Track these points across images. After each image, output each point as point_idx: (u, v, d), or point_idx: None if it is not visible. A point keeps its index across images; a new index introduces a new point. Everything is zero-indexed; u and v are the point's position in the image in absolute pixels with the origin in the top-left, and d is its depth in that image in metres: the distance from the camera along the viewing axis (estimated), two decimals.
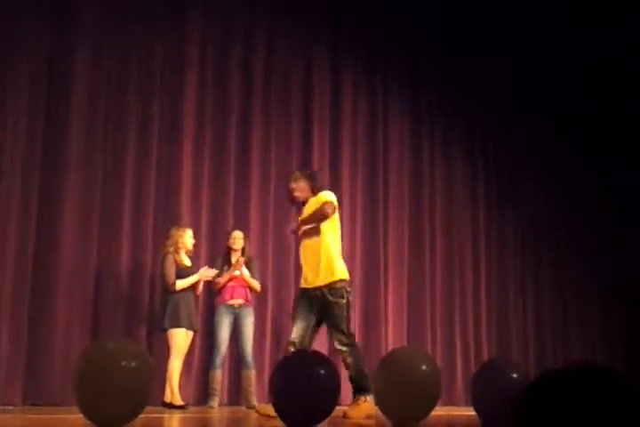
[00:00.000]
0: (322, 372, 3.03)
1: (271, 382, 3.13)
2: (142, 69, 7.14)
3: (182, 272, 6.46)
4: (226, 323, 6.72)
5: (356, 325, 8.16)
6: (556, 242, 10.16)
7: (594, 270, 10.30)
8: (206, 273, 6.58)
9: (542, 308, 9.92)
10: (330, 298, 4.95)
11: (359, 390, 4.89)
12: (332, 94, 8.52)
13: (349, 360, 4.91)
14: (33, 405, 6.03)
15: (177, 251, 6.49)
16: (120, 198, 6.86)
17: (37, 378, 6.16)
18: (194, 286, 6.53)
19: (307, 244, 5.14)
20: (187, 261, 6.57)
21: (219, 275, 6.77)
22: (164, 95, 7.24)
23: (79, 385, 2.83)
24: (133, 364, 2.79)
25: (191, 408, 6.27)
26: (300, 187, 5.25)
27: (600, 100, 10.22)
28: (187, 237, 6.56)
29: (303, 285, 5.14)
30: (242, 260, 6.82)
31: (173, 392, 6.21)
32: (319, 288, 4.99)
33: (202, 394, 6.90)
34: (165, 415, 5.08)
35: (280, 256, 7.75)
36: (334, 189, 8.21)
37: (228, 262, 6.89)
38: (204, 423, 4.32)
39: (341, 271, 5.05)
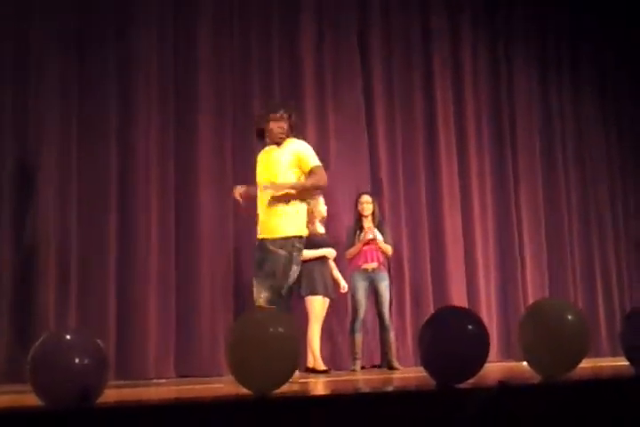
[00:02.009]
0: (470, 327, 3.02)
1: (420, 338, 3.14)
2: (262, 36, 7.23)
3: (315, 240, 6.51)
4: (362, 287, 6.78)
5: (492, 277, 8.05)
6: None
7: None
8: (331, 253, 6.62)
9: None
10: None
11: None
12: (453, 49, 8.36)
13: None
14: (184, 377, 6.30)
15: (311, 220, 6.47)
16: (251, 167, 6.97)
17: (187, 351, 6.42)
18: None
19: None
20: (320, 229, 6.64)
21: (351, 242, 6.83)
22: (283, 63, 7.32)
23: (231, 353, 2.93)
24: (280, 329, 2.86)
25: (334, 372, 6.38)
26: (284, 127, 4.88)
27: None
28: (320, 206, 6.62)
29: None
30: (372, 227, 6.84)
31: (315, 358, 6.34)
32: None
33: (341, 358, 7.03)
34: (310, 380, 5.19)
35: (412, 218, 7.74)
36: (461, 146, 8.13)
37: (360, 228, 6.92)
38: (351, 386, 4.39)
39: None
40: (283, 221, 4.72)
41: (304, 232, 4.80)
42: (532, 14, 8.94)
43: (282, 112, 4.88)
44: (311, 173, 4.79)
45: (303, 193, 4.83)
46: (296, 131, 4.94)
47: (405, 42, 8.07)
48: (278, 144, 4.88)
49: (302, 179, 4.79)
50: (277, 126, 4.86)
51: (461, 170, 8.15)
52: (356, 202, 7.01)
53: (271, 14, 7.34)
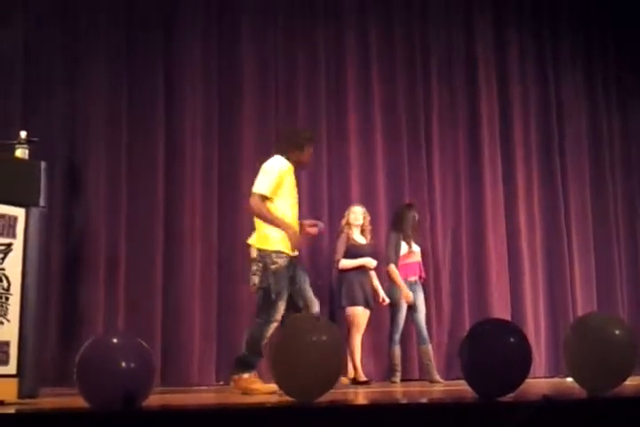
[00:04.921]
0: (512, 340, 3.00)
1: (460, 350, 3.13)
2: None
3: (353, 249, 6.53)
4: (402, 300, 6.75)
5: (540, 291, 7.93)
6: None
7: None
8: (370, 263, 6.61)
9: None
10: None
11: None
12: (497, 47, 8.32)
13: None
14: (226, 384, 6.33)
15: (350, 228, 6.57)
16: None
17: (228, 359, 6.44)
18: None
19: None
20: (360, 239, 6.63)
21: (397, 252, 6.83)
22: (329, 64, 7.37)
23: (276, 361, 2.95)
24: (324, 338, 2.87)
25: (374, 384, 6.37)
26: None
27: None
28: (358, 214, 6.62)
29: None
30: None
31: (356, 368, 6.33)
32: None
33: (381, 370, 7.00)
34: (351, 391, 5.18)
35: (453, 226, 7.72)
36: (506, 147, 8.04)
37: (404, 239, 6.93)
38: (390, 397, 4.38)
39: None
40: None
41: None
42: (578, 11, 8.85)
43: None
44: None
45: None
46: None
47: (448, 44, 8.04)
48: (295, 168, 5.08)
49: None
50: (309, 155, 5.10)
51: (506, 176, 8.02)
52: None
53: (316, 16, 7.41)
